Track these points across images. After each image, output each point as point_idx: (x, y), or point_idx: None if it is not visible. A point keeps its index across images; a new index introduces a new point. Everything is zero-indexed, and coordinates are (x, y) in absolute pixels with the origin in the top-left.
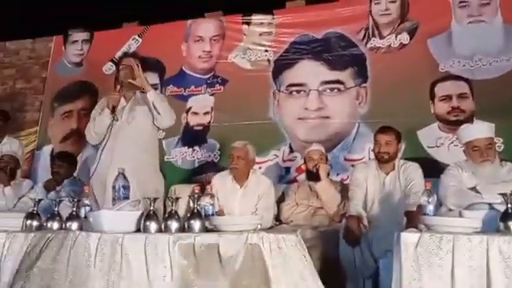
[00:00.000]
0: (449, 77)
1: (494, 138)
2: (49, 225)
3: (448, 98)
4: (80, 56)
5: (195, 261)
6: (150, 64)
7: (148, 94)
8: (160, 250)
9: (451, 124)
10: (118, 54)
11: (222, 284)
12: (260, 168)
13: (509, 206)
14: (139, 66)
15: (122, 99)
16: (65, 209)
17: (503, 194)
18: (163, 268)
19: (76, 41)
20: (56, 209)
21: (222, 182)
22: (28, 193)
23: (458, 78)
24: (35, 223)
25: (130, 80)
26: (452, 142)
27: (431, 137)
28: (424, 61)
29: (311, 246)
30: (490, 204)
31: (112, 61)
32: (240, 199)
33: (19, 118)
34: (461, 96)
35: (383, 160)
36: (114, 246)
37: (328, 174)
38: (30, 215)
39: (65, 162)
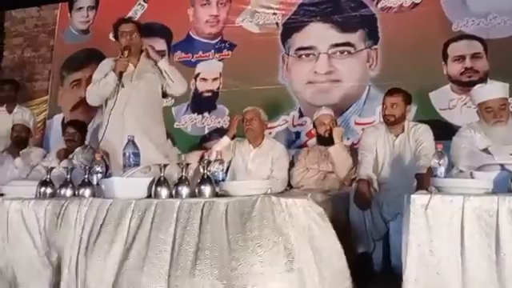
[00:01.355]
0: (462, 36)
1: (507, 98)
2: (62, 192)
3: (461, 58)
4: (86, 23)
5: (205, 225)
6: (156, 30)
7: (159, 62)
8: (170, 215)
9: (464, 85)
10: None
11: (228, 244)
12: (270, 133)
13: None
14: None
15: (131, 65)
16: (77, 176)
17: None
18: (172, 232)
19: (81, 7)
20: (68, 176)
21: (239, 147)
22: (41, 161)
23: (471, 37)
24: (49, 191)
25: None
26: (465, 104)
27: (443, 99)
28: (437, 20)
29: (322, 209)
30: (501, 165)
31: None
32: (252, 158)
33: (29, 87)
34: (474, 56)
35: (389, 122)
36: (125, 212)
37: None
38: (44, 183)
39: (77, 130)
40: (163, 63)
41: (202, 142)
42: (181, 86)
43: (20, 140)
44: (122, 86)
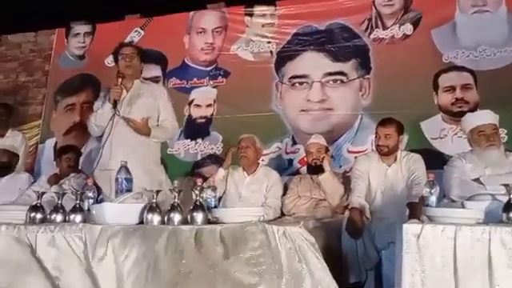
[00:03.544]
0: (453, 68)
1: (497, 125)
2: (52, 217)
3: (452, 88)
4: (82, 49)
5: (197, 252)
6: (152, 56)
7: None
8: (162, 242)
9: (455, 115)
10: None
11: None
12: (263, 160)
13: (511, 196)
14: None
15: (124, 91)
16: (68, 202)
17: (506, 185)
18: (166, 259)
19: (78, 33)
20: (59, 201)
21: (232, 174)
22: (31, 186)
23: (461, 68)
24: (39, 216)
25: (129, 69)
26: (455, 134)
27: (435, 128)
28: (427, 51)
29: (314, 237)
30: (492, 195)
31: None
32: (246, 185)
33: (22, 111)
34: (465, 87)
35: (382, 153)
36: (116, 238)
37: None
38: (34, 208)
39: (74, 155)
40: (163, 103)
41: (194, 168)
42: (163, 134)
43: (2, 165)
44: (118, 115)
